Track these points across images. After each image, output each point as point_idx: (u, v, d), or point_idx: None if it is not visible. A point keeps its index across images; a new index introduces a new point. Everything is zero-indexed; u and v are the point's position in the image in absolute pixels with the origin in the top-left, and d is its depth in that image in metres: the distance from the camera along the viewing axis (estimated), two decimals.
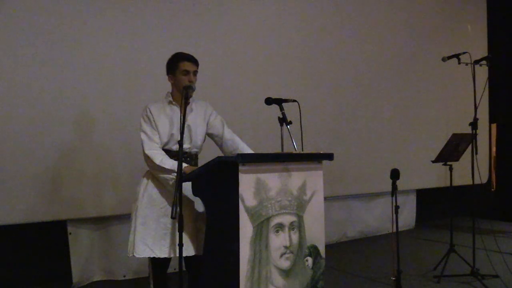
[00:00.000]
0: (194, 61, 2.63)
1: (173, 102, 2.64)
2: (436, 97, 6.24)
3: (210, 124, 2.77)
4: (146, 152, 2.52)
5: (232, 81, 4.37)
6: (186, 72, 2.59)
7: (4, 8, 3.30)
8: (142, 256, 2.52)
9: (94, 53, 3.64)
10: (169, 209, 2.47)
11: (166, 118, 2.60)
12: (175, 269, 3.64)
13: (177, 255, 2.33)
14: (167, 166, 2.46)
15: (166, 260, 2.62)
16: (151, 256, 2.52)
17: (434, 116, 6.21)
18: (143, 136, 2.56)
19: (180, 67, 2.59)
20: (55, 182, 3.48)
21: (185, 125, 2.53)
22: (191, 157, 2.67)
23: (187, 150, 2.63)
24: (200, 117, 2.73)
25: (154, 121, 2.56)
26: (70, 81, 3.55)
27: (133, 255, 2.53)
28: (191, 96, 2.61)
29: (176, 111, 2.61)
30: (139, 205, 2.57)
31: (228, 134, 2.80)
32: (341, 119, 5.24)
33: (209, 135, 2.80)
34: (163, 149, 2.58)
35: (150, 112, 2.57)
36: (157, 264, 2.61)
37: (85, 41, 3.62)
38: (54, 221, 3.54)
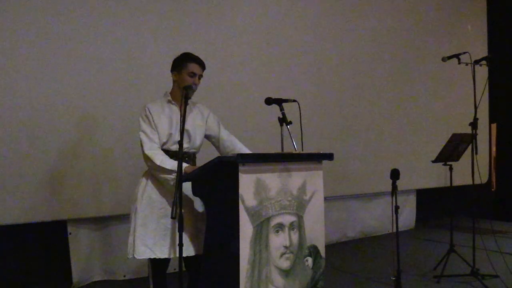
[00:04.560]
0: (202, 65, 2.65)
1: (173, 102, 2.64)
2: (436, 97, 6.24)
3: (208, 126, 2.78)
4: (146, 152, 2.51)
5: (232, 81, 4.37)
6: (193, 74, 2.60)
7: (5, 8, 3.30)
8: (142, 258, 2.51)
9: (93, 53, 3.64)
10: (169, 209, 2.47)
11: (165, 117, 2.59)
12: (175, 269, 3.64)
13: (177, 255, 2.33)
14: (167, 166, 2.44)
15: (166, 261, 2.62)
16: (152, 257, 2.51)
17: (434, 116, 6.21)
18: (142, 136, 2.54)
19: (189, 67, 2.59)
20: (55, 182, 3.48)
21: (185, 128, 2.52)
22: (189, 157, 2.67)
23: (186, 150, 2.63)
24: (199, 118, 2.73)
25: (153, 120, 2.55)
26: (70, 82, 3.55)
27: (133, 257, 2.52)
28: (189, 98, 2.61)
29: (175, 110, 2.62)
30: (138, 206, 2.56)
31: (225, 135, 2.81)
32: (341, 119, 5.24)
33: (207, 136, 2.80)
34: (162, 149, 2.56)
35: (149, 112, 2.57)
36: (157, 264, 2.61)
37: (85, 42, 3.61)
38: (54, 221, 3.53)
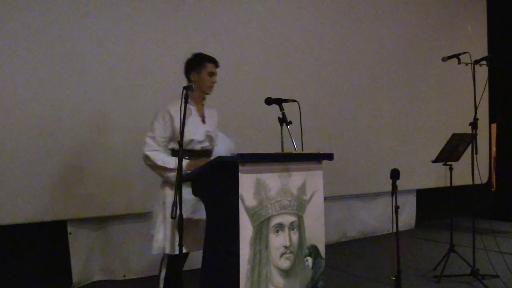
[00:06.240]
0: (218, 64, 2.75)
1: (191, 102, 2.68)
2: (436, 97, 6.24)
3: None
4: (146, 152, 2.57)
5: (232, 81, 4.36)
6: (212, 74, 2.70)
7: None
8: (176, 253, 2.50)
9: (96, 54, 3.64)
10: (197, 206, 2.56)
11: (186, 119, 2.62)
12: None
13: (197, 249, 2.41)
14: (171, 166, 2.52)
15: (183, 258, 2.65)
16: (187, 251, 2.55)
17: (434, 116, 6.20)
18: (148, 139, 2.60)
19: (208, 67, 2.68)
20: (55, 182, 3.48)
21: (205, 128, 2.70)
22: (206, 153, 2.75)
23: (207, 148, 2.73)
24: (215, 121, 2.84)
25: (172, 122, 2.59)
26: (72, 85, 3.55)
27: (159, 253, 2.57)
28: (205, 97, 2.71)
29: (194, 111, 2.71)
30: (168, 204, 2.56)
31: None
32: (341, 119, 5.24)
33: None
34: (186, 149, 2.58)
35: (170, 114, 2.60)
36: (174, 261, 2.63)
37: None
38: (54, 221, 3.53)
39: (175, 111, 2.57)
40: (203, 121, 2.73)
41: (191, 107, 2.69)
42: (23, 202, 3.35)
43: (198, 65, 2.68)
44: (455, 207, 5.22)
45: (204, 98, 2.78)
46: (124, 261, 3.86)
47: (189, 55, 2.76)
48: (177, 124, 2.55)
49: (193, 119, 2.66)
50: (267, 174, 2.27)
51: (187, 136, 2.58)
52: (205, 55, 2.72)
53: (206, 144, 2.71)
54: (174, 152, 2.63)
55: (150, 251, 2.63)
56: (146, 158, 2.57)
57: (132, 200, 3.76)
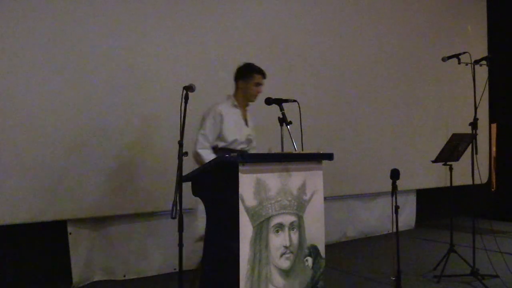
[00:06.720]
0: (265, 76, 2.93)
1: (237, 106, 2.90)
2: (436, 97, 6.24)
3: None
4: (198, 150, 2.74)
5: (232, 81, 4.36)
6: (258, 84, 2.88)
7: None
8: None
9: (96, 54, 3.64)
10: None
11: (233, 120, 2.82)
12: (174, 269, 3.65)
13: None
14: None
15: None
16: None
17: (434, 116, 6.20)
18: (202, 132, 2.76)
19: (255, 78, 2.88)
20: (56, 182, 3.48)
21: (247, 132, 2.90)
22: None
23: (245, 150, 2.91)
24: (254, 124, 3.02)
25: (221, 122, 2.77)
26: (73, 83, 3.54)
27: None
28: (247, 103, 2.94)
29: (239, 114, 2.89)
30: None
31: None
32: (341, 119, 5.24)
33: None
34: (227, 148, 2.77)
35: (220, 114, 2.78)
36: None
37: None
38: (54, 221, 3.53)
39: (226, 112, 2.82)
40: (246, 125, 2.92)
41: (237, 110, 2.89)
42: (23, 202, 3.35)
43: (247, 75, 2.88)
44: (455, 207, 5.23)
45: (247, 105, 2.97)
46: (124, 261, 3.86)
47: (235, 61, 3.00)
48: (225, 124, 2.77)
49: (238, 121, 2.85)
50: (267, 174, 2.27)
51: (231, 136, 2.79)
52: (255, 66, 2.90)
53: (245, 146, 2.88)
54: (215, 150, 2.79)
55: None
56: (197, 155, 2.73)
57: (132, 200, 3.76)
